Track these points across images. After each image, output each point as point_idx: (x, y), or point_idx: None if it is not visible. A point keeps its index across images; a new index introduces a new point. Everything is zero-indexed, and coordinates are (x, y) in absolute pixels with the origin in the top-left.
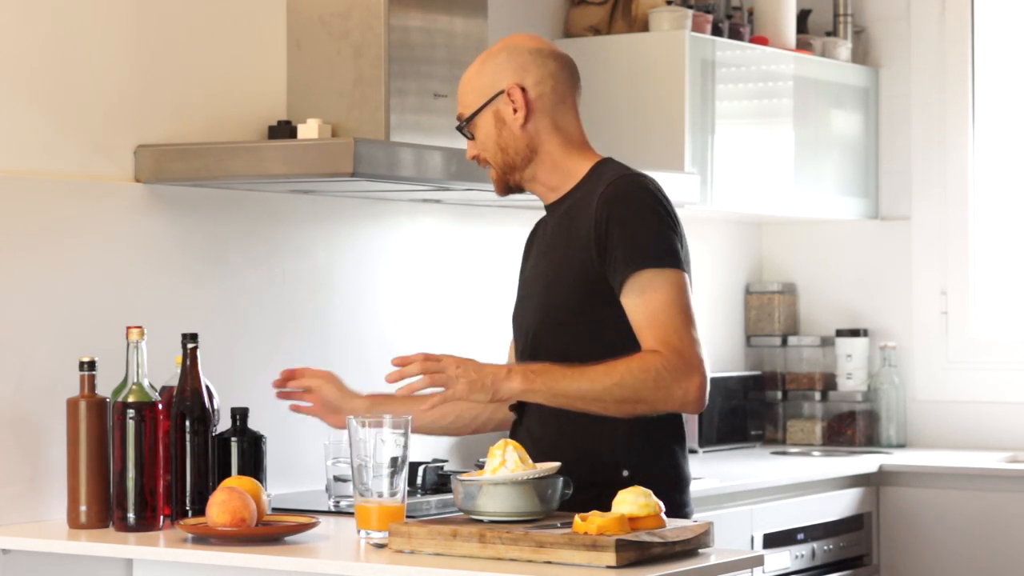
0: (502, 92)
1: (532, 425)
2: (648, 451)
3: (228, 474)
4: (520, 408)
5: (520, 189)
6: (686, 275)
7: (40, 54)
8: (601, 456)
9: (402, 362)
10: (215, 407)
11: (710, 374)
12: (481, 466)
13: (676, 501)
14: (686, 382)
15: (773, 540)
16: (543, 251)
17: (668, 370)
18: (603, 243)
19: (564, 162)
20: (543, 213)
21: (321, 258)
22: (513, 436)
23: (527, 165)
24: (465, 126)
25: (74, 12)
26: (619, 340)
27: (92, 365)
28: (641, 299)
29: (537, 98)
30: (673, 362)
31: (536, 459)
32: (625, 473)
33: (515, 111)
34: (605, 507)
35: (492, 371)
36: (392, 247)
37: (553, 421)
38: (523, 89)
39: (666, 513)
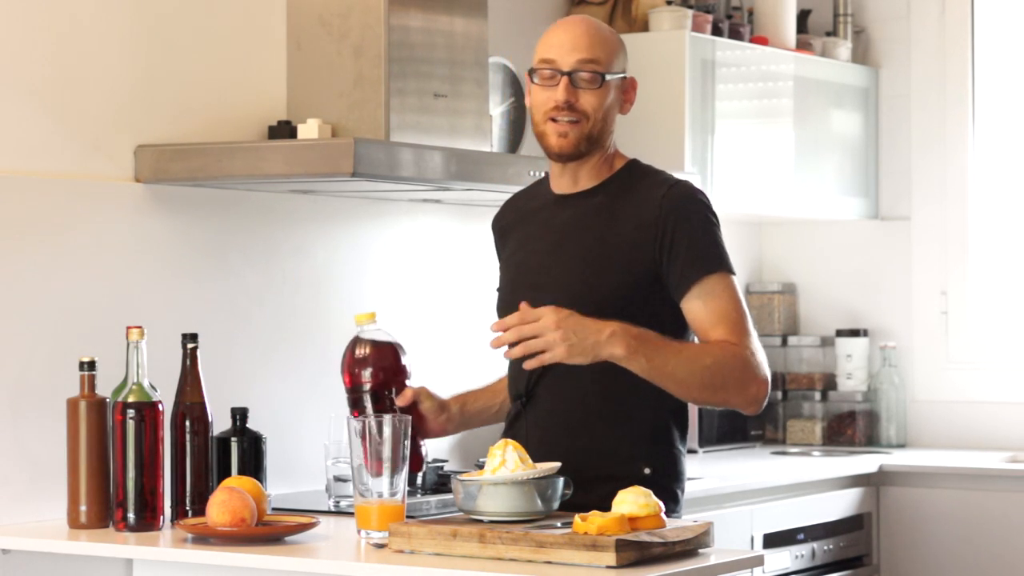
0: (629, 77)
1: (542, 416)
2: (667, 449)
3: (228, 474)
4: (526, 398)
5: (575, 159)
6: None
7: (40, 54)
8: (622, 452)
9: (501, 327)
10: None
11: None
12: (481, 466)
13: (679, 498)
14: (760, 382)
15: (773, 540)
16: (556, 241)
17: (751, 365)
18: (668, 247)
19: (611, 159)
20: None
21: (321, 258)
22: (514, 426)
23: (598, 147)
24: (605, 78)
25: (74, 12)
26: (656, 330)
27: (92, 365)
28: (710, 300)
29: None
30: (755, 358)
31: (546, 452)
32: (647, 471)
33: (627, 100)
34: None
35: (593, 334)
36: (392, 247)
37: (568, 412)
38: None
39: (668, 507)
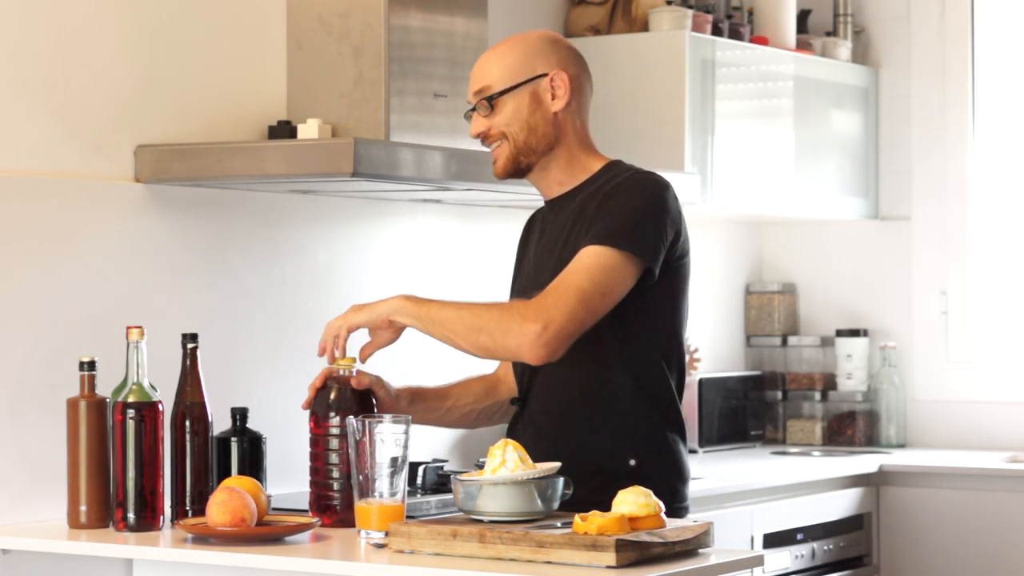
0: (544, 75)
1: (535, 415)
2: (652, 441)
3: (228, 474)
4: (523, 400)
5: (523, 174)
6: (637, 265)
7: (40, 54)
8: (607, 445)
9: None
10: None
11: (569, 337)
12: (481, 466)
13: (678, 492)
14: (528, 326)
15: (773, 540)
16: (547, 245)
17: (520, 313)
18: (592, 220)
19: (580, 157)
20: None
21: (321, 258)
22: (514, 427)
23: (546, 152)
24: (493, 99)
25: (74, 12)
26: (637, 327)
27: (92, 365)
28: (569, 269)
29: (577, 89)
30: (529, 309)
31: (540, 450)
32: (632, 462)
33: (553, 97)
34: (610, 496)
35: (369, 304)
36: (392, 247)
37: (557, 411)
38: (569, 77)
39: (666, 502)
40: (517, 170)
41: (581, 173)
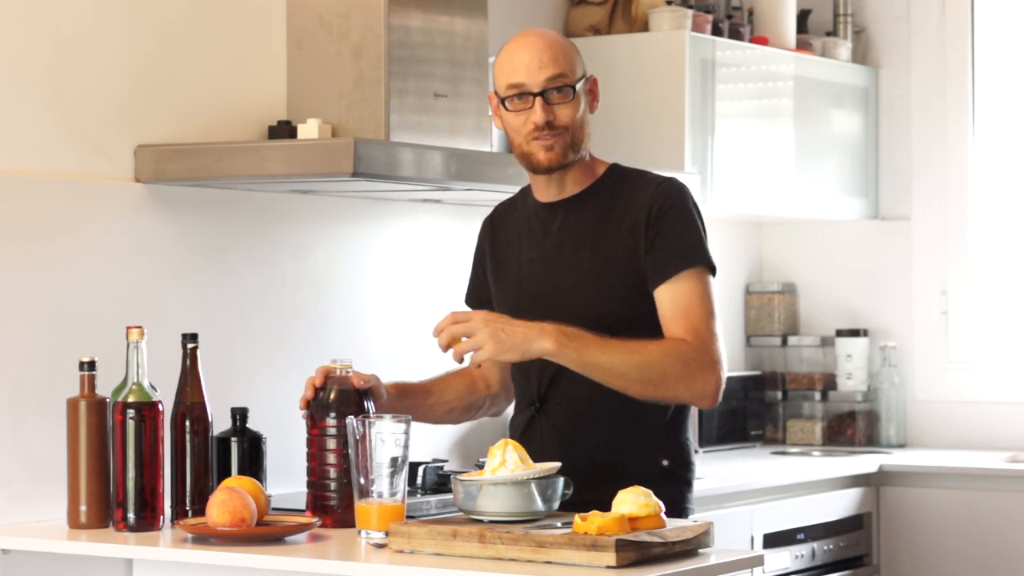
0: (590, 77)
1: (559, 419)
2: (678, 441)
3: (228, 474)
4: (541, 400)
5: (561, 168)
6: (713, 273)
7: (40, 54)
8: (638, 448)
9: (436, 331)
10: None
11: (726, 374)
12: (481, 466)
13: (691, 483)
14: (708, 374)
15: (773, 540)
16: (554, 247)
17: (694, 359)
18: (651, 241)
19: (591, 160)
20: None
21: (321, 258)
22: (529, 429)
23: (579, 153)
24: (574, 91)
25: (74, 12)
26: (655, 334)
27: (92, 365)
28: (676, 293)
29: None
30: (699, 352)
31: (562, 453)
32: (665, 463)
33: (595, 99)
34: None
35: (523, 330)
36: (392, 247)
37: (585, 414)
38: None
39: (681, 501)
40: (563, 164)
41: (590, 176)
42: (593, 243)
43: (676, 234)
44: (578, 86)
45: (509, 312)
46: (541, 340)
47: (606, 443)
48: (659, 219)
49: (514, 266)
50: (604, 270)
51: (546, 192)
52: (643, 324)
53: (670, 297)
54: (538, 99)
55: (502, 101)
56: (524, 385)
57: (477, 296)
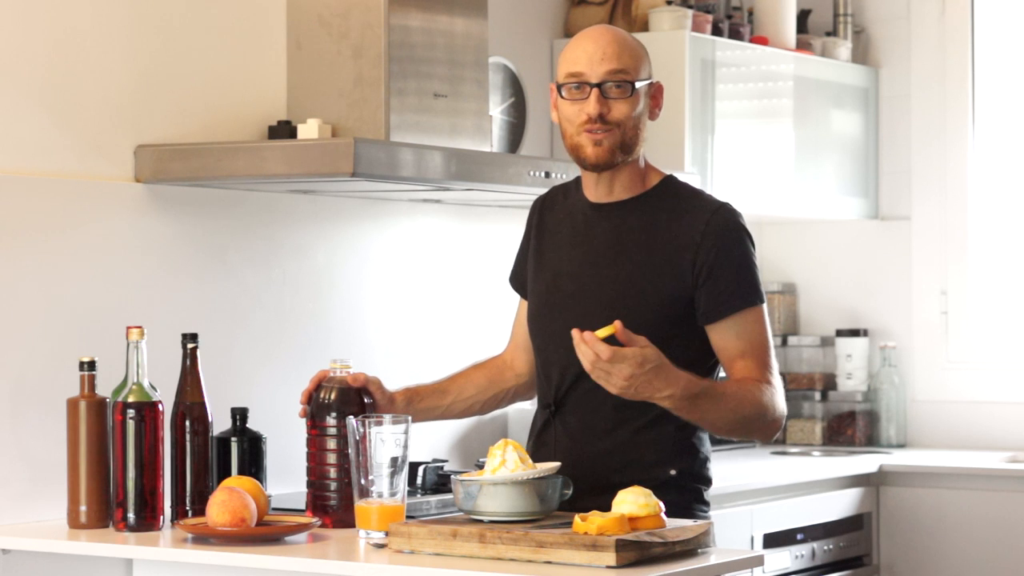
0: (656, 83)
1: (572, 425)
2: (688, 448)
3: (228, 474)
4: (555, 407)
5: (606, 168)
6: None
7: (40, 54)
8: (647, 456)
9: (585, 345)
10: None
11: None
12: (481, 466)
13: (701, 495)
14: (779, 419)
15: (773, 540)
16: (594, 251)
17: (770, 405)
18: (708, 271)
19: (644, 168)
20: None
21: (321, 258)
22: (544, 433)
23: (631, 155)
24: (634, 88)
25: (74, 12)
26: (683, 356)
27: (92, 365)
28: (743, 333)
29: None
30: (773, 399)
31: (574, 459)
32: (672, 472)
33: (657, 106)
34: None
35: (658, 385)
36: (392, 247)
37: (599, 422)
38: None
39: (691, 509)
40: (613, 161)
41: (641, 185)
42: (636, 255)
43: (735, 269)
44: (638, 85)
45: (537, 307)
46: (663, 400)
47: (614, 452)
48: (716, 251)
49: (553, 259)
50: (644, 285)
51: (595, 191)
52: (666, 349)
53: (733, 336)
54: (595, 90)
55: (559, 89)
56: (544, 387)
57: (520, 279)
